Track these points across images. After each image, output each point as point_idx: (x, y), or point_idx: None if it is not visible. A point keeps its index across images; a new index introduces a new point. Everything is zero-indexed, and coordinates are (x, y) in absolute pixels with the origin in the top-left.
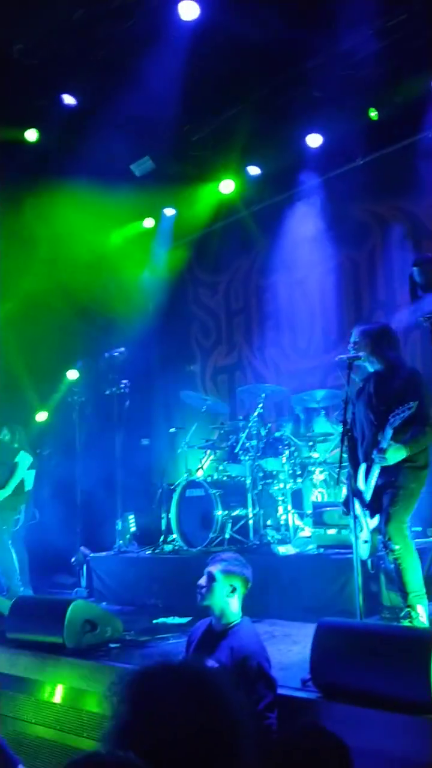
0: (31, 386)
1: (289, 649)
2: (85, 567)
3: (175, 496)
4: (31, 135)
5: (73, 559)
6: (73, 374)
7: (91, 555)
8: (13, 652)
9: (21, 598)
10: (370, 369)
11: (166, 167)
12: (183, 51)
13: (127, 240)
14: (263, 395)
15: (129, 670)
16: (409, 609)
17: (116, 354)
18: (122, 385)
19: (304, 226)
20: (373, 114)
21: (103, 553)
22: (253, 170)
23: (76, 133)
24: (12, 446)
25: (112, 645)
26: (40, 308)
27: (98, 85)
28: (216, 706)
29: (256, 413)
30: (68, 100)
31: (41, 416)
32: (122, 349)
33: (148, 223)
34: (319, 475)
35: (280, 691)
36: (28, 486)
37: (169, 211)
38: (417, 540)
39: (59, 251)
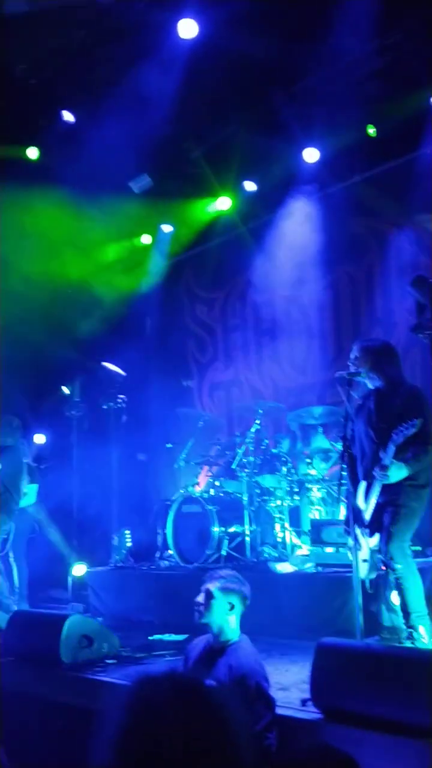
0: (27, 402)
1: (288, 669)
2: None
3: (172, 512)
4: (32, 153)
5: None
6: (68, 390)
7: (88, 570)
8: (11, 667)
9: (18, 613)
10: (370, 386)
11: (164, 184)
12: (182, 69)
13: (124, 255)
14: (260, 411)
15: (131, 677)
16: (411, 630)
17: (114, 373)
18: (119, 401)
19: (301, 241)
20: (372, 131)
21: (100, 569)
22: (250, 186)
23: (75, 149)
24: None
25: (108, 661)
26: (37, 324)
27: (97, 103)
28: (217, 723)
29: (253, 429)
30: (67, 116)
31: (39, 438)
32: (122, 372)
33: (146, 239)
34: (316, 493)
35: (279, 711)
36: (31, 500)
37: (167, 228)
38: (417, 559)
39: (56, 266)
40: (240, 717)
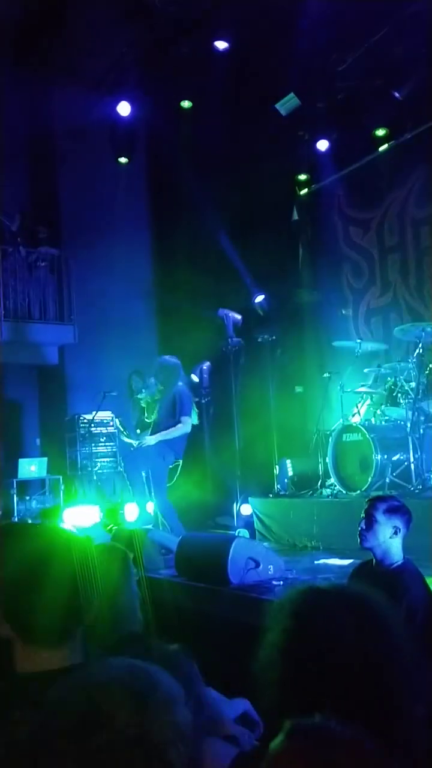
0: (189, 335)
1: None
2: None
3: (332, 441)
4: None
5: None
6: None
7: (252, 498)
8: (183, 586)
9: (188, 536)
10: None
11: (312, 103)
12: None
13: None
14: (423, 334)
15: (298, 586)
16: None
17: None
18: (273, 333)
19: None
20: None
21: (263, 498)
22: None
23: (221, 77)
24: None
25: (275, 582)
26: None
27: (239, 26)
28: (387, 635)
29: (415, 353)
30: (221, 44)
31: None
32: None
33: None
34: None
35: None
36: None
37: (323, 144)
38: None
39: None
40: (403, 633)
